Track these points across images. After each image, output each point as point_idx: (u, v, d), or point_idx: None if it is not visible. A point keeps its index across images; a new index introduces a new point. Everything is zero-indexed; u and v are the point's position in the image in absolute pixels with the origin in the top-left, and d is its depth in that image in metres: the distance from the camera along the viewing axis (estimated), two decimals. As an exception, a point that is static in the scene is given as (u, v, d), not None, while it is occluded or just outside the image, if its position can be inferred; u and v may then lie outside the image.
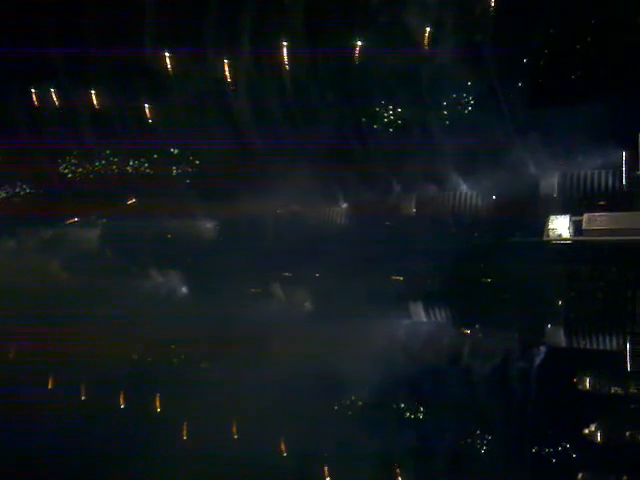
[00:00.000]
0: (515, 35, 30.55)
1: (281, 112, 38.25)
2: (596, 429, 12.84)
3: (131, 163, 43.31)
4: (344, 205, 34.50)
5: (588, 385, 15.46)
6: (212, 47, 37.73)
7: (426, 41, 32.89)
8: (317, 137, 35.03)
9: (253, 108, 38.68)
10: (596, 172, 27.34)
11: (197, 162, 41.37)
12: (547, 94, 29.90)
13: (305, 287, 30.43)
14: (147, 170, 43.07)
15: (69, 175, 45.41)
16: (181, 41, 38.25)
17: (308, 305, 28.08)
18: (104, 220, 42.28)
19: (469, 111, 31.74)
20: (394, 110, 35.32)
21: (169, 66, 39.61)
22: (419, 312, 24.84)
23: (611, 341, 19.88)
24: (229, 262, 32.58)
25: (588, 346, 19.47)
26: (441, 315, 24.34)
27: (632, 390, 15.33)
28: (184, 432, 13.49)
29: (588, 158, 26.81)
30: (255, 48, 37.09)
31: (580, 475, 11.66)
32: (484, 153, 30.55)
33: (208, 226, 38.86)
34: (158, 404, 15.34)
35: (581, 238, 26.99)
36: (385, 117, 35.57)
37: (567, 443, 12.47)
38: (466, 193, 30.74)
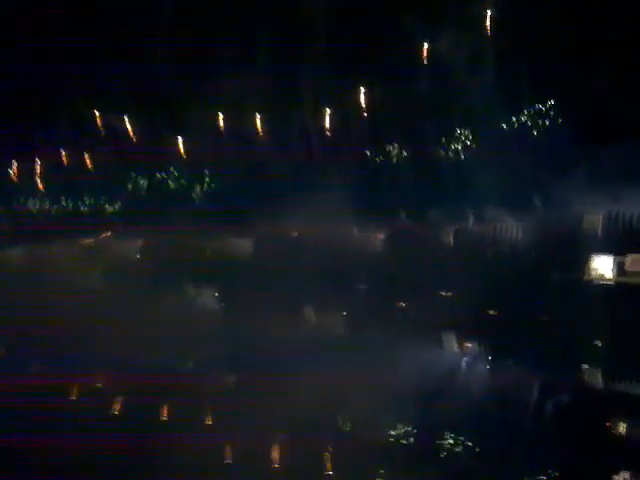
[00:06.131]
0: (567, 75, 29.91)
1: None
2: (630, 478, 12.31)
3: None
4: (379, 232, 34.12)
5: (621, 430, 14.92)
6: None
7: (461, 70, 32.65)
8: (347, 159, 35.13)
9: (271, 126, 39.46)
10: (642, 212, 26.65)
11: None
12: (595, 132, 29.39)
13: (335, 314, 30.23)
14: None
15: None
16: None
17: (338, 332, 27.83)
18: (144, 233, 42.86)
19: (511, 145, 31.45)
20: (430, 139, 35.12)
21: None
22: (452, 344, 24.42)
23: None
24: (263, 283, 32.57)
25: (625, 390, 18.82)
26: (474, 349, 23.86)
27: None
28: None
29: (634, 198, 26.17)
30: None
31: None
32: (527, 188, 30.14)
33: (245, 245, 38.99)
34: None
35: (624, 279, 26.29)
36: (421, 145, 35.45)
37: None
38: (507, 227, 30.25)
